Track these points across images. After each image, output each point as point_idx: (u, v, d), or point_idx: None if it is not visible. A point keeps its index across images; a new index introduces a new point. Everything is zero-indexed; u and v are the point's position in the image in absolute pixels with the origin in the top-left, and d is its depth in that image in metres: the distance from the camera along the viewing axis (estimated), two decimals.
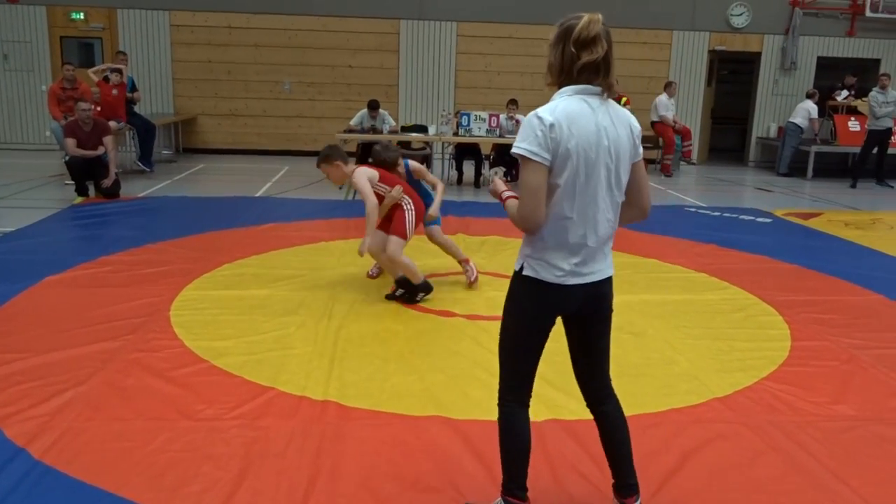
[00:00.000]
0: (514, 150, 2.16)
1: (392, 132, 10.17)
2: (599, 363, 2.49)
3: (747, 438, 3.16)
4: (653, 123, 12.23)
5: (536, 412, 3.27)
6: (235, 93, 12.93)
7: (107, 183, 8.19)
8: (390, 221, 4.83)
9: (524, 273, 2.27)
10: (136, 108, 10.55)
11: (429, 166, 10.32)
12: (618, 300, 4.98)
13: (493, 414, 3.27)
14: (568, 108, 2.14)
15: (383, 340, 4.21)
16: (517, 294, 2.31)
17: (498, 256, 6.19)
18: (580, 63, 2.13)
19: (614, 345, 4.15)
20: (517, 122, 10.42)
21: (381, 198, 4.77)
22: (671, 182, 11.46)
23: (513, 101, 10.51)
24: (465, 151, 10.52)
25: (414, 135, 10.22)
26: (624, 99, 11.88)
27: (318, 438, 3.03)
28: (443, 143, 10.53)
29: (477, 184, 10.34)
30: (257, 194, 9.09)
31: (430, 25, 13.04)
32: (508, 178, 10.68)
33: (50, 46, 12.50)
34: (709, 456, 3.01)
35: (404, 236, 4.81)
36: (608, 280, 2.36)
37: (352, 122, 10.28)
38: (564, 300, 2.29)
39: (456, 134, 10.21)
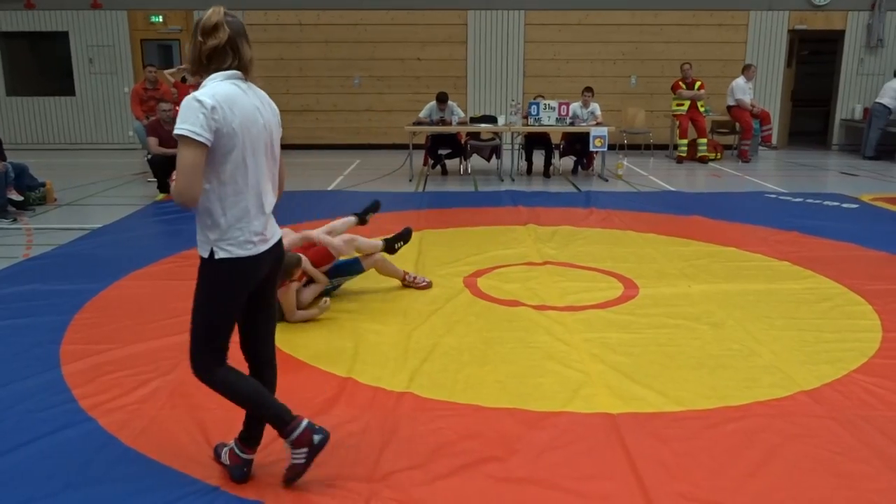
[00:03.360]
0: (175, 131, 2.30)
1: (461, 123, 10.17)
2: (269, 327, 2.70)
3: (837, 434, 3.02)
4: (729, 108, 11.82)
5: (612, 405, 3.25)
6: (307, 89, 13.18)
7: None
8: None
9: (218, 257, 2.40)
10: None
11: (498, 157, 10.28)
12: (696, 290, 4.93)
13: (567, 405, 3.26)
14: (226, 91, 2.35)
15: (455, 331, 4.21)
16: (215, 280, 2.45)
17: (570, 247, 6.11)
18: (207, 48, 2.37)
19: (692, 336, 4.11)
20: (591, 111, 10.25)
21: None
22: (749, 168, 11.07)
23: (588, 89, 10.34)
24: (535, 141, 10.42)
25: (483, 125, 10.18)
26: (698, 84, 11.56)
27: (393, 429, 3.06)
28: (512, 134, 10.46)
29: (547, 174, 10.23)
30: (330, 188, 9.24)
31: (497, 15, 12.96)
32: (581, 168, 10.55)
33: (132, 49, 13.03)
34: (796, 451, 2.89)
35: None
36: (280, 241, 2.61)
37: (421, 115, 10.32)
38: (258, 269, 2.49)
39: (525, 124, 10.13)
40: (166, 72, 10.54)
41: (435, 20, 12.95)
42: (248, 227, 2.42)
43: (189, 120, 2.28)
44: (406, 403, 3.30)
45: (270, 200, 2.53)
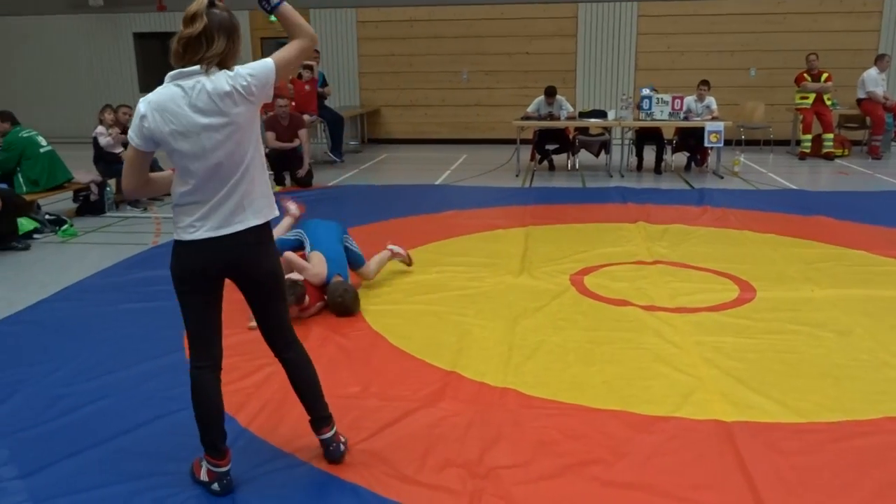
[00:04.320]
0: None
1: (570, 118, 10.02)
2: (276, 314, 2.69)
3: None
4: (859, 101, 11.06)
5: (725, 412, 3.11)
6: (416, 84, 13.35)
7: (301, 173, 8.80)
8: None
9: (174, 238, 2.50)
10: (326, 102, 11.22)
11: (607, 152, 10.07)
12: (819, 295, 4.65)
13: (678, 410, 3.16)
14: (160, 97, 2.36)
15: (561, 329, 4.15)
16: (173, 259, 2.52)
17: (681, 246, 5.90)
18: (182, 38, 2.35)
19: (815, 343, 3.88)
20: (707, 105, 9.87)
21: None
22: (880, 165, 10.32)
23: (704, 82, 9.94)
24: (646, 136, 10.13)
25: (592, 120, 9.99)
26: (825, 75, 10.88)
27: (497, 424, 3.06)
28: (622, 129, 10.21)
29: (658, 170, 9.92)
30: (437, 182, 9.33)
31: (609, 7, 12.67)
32: (694, 164, 10.17)
33: (251, 47, 13.62)
34: None
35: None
36: (253, 229, 2.52)
37: (528, 109, 10.24)
38: (205, 254, 2.47)
39: (636, 118, 9.86)
40: None
41: (544, 14, 12.81)
42: (194, 215, 2.45)
43: (131, 124, 2.42)
44: (510, 400, 3.29)
45: (232, 194, 2.45)
